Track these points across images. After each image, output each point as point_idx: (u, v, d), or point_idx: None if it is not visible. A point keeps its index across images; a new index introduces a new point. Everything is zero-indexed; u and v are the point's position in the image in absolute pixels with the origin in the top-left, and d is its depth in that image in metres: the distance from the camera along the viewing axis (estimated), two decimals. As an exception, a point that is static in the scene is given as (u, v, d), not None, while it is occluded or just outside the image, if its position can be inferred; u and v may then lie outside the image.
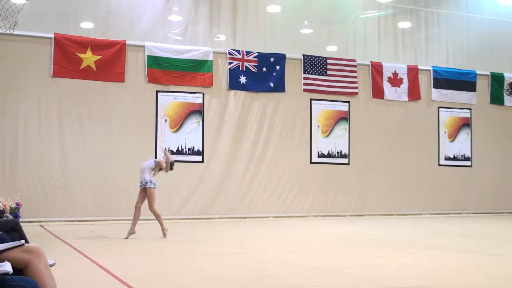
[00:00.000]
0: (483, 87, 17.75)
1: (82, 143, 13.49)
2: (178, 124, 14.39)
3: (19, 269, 3.41)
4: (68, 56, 13.42)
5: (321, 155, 15.75)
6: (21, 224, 6.42)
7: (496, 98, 17.85)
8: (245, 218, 14.66)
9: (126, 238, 9.71)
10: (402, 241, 9.90)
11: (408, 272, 6.43)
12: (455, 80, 17.31)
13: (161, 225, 9.94)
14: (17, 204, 12.46)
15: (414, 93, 16.82)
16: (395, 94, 16.62)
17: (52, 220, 12.89)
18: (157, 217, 9.95)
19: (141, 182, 9.95)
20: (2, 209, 11.33)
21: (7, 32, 10.46)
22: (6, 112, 12.95)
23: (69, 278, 5.69)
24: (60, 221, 12.96)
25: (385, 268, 6.72)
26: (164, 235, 9.86)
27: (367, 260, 7.45)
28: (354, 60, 16.16)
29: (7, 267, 3.16)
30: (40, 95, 13.24)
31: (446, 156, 17.19)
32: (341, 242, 9.60)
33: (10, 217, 10.67)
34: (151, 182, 9.90)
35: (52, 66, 13.31)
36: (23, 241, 3.64)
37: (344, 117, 16.06)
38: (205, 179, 14.50)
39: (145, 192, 9.91)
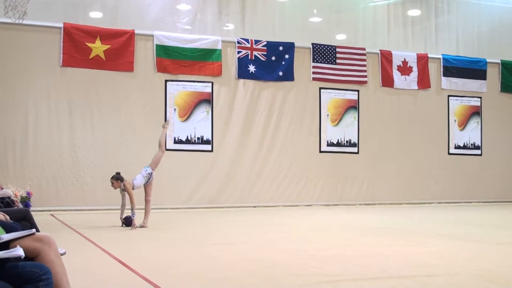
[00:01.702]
0: (494, 75, 17.63)
1: (92, 132, 13.54)
2: (187, 113, 14.40)
3: (30, 258, 3.45)
4: (77, 46, 13.45)
5: (330, 144, 15.73)
6: (32, 213, 6.47)
7: (507, 87, 17.73)
8: (254, 207, 14.68)
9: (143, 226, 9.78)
10: (411, 230, 9.90)
11: (417, 261, 6.43)
12: (465, 68, 17.20)
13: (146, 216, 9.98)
14: (28, 194, 12.56)
15: (423, 82, 16.74)
16: (405, 82, 16.54)
17: (62, 209, 12.97)
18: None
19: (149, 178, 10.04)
20: (13, 198, 11.41)
21: (17, 21, 10.47)
22: (16, 102, 13.01)
23: (79, 267, 5.73)
24: (71, 210, 13.04)
25: (394, 257, 6.72)
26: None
27: (376, 249, 7.45)
28: (364, 49, 16.09)
29: (19, 251, 3.19)
30: (49, 84, 13.29)
31: (456, 145, 17.12)
32: (350, 231, 9.60)
33: (21, 206, 10.76)
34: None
35: (61, 55, 13.34)
36: (34, 230, 3.67)
37: (353, 106, 16.02)
38: (214, 169, 14.52)
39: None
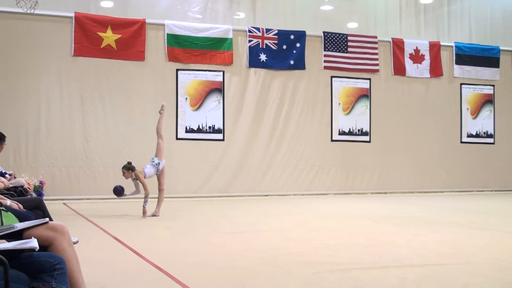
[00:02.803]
0: (507, 63, 17.48)
1: (104, 121, 13.60)
2: (198, 103, 14.41)
3: (43, 247, 3.47)
4: (89, 35, 13.48)
5: (342, 133, 15.69)
6: (44, 202, 6.51)
7: (520, 74, 17.58)
8: (266, 196, 14.70)
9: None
10: (423, 218, 9.87)
11: (429, 250, 6.42)
12: (478, 56, 17.06)
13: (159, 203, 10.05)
14: (41, 183, 12.65)
15: (436, 70, 16.62)
16: (417, 71, 16.44)
17: (75, 198, 13.06)
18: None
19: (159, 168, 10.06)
20: (26, 187, 11.48)
21: (28, 11, 10.52)
22: (28, 92, 13.07)
23: (91, 255, 5.77)
24: (83, 199, 13.12)
25: (405, 246, 6.71)
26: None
27: (388, 237, 7.44)
28: (375, 37, 15.99)
29: (33, 243, 3.21)
30: (61, 74, 13.34)
31: (469, 133, 17.02)
32: (362, 220, 9.59)
33: (34, 195, 10.83)
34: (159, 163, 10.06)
35: (73, 45, 13.38)
36: (47, 219, 3.69)
37: (365, 94, 15.95)
38: (226, 157, 14.54)
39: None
